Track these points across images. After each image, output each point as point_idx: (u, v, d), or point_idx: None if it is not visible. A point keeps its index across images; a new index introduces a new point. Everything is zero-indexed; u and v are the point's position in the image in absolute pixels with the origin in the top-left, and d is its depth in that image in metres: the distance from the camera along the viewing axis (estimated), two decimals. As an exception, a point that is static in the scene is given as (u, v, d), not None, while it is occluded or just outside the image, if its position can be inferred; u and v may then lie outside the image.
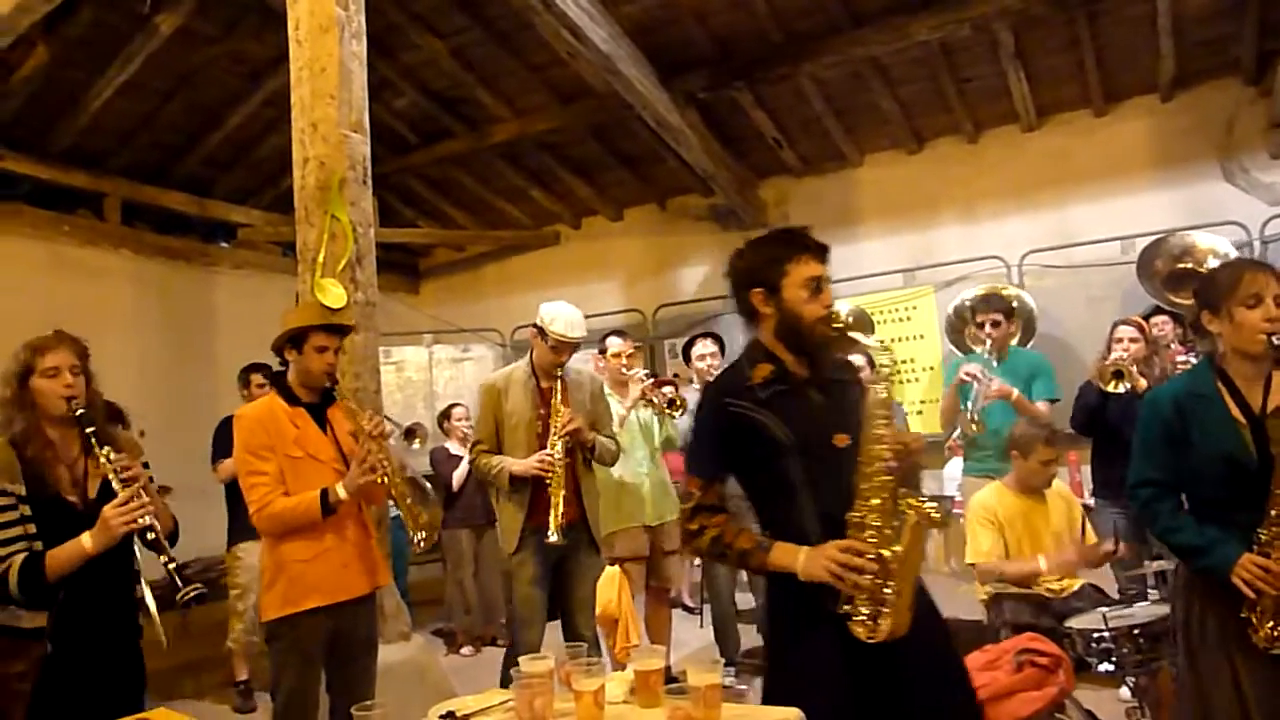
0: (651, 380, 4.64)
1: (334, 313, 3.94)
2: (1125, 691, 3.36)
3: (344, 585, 3.02)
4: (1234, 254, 5.41)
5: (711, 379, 4.51)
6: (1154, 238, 5.69)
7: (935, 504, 2.00)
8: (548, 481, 3.70)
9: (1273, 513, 2.19)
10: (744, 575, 5.09)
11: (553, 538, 3.64)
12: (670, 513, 4.77)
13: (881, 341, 2.16)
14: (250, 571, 4.69)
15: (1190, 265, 5.47)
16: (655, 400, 4.55)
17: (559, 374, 3.87)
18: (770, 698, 2.12)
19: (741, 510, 2.31)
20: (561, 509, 3.68)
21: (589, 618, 3.88)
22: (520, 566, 3.79)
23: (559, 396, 3.81)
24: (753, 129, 6.94)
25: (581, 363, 7.66)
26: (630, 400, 4.57)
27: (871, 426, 2.05)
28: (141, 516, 2.42)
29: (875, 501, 2.02)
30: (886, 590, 1.98)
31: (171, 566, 2.44)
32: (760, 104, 6.66)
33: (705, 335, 5.01)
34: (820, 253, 2.20)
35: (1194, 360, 4.04)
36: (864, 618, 2.01)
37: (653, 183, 7.91)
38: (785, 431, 2.12)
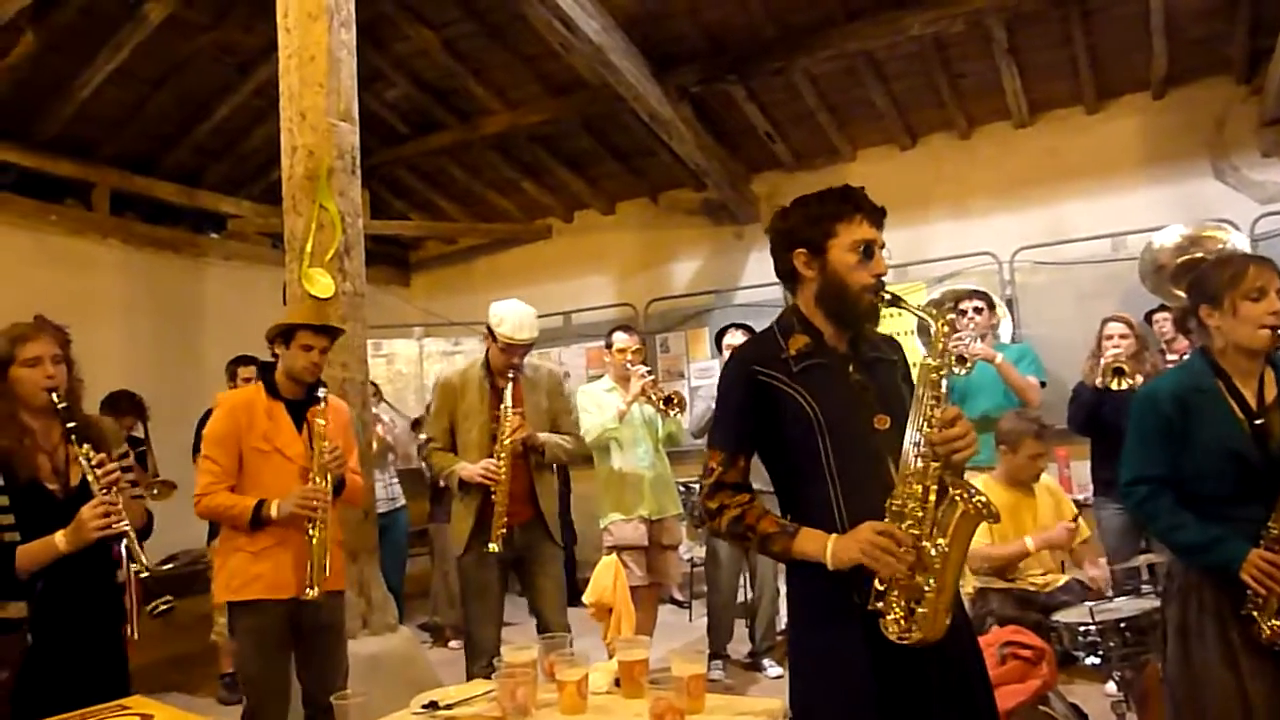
0: (651, 378, 4.64)
1: (322, 303, 3.94)
2: (1111, 686, 3.36)
3: (283, 584, 3.01)
4: (1245, 244, 5.42)
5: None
6: (1145, 234, 5.69)
7: (983, 496, 1.80)
8: (492, 491, 3.69)
9: None
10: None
11: (491, 547, 3.65)
12: (671, 508, 4.79)
13: (938, 312, 1.94)
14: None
15: (1200, 255, 5.43)
16: (653, 397, 4.55)
17: (513, 376, 3.84)
18: (792, 693, 1.98)
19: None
20: (504, 519, 3.68)
21: (558, 608, 3.88)
22: (469, 569, 3.81)
23: (510, 398, 3.76)
24: (745, 123, 6.92)
25: (577, 356, 7.77)
26: (630, 395, 4.58)
27: (921, 405, 1.84)
28: (117, 523, 2.40)
29: (918, 489, 1.82)
30: (925, 588, 1.79)
31: (144, 576, 2.44)
32: (753, 98, 6.65)
33: (738, 326, 4.98)
34: (876, 216, 1.99)
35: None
36: (897, 616, 1.81)
37: (645, 176, 7.89)
38: (818, 409, 1.92)
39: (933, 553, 1.79)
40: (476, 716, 2.04)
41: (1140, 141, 6.39)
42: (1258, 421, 2.24)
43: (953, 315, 4.40)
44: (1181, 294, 5.09)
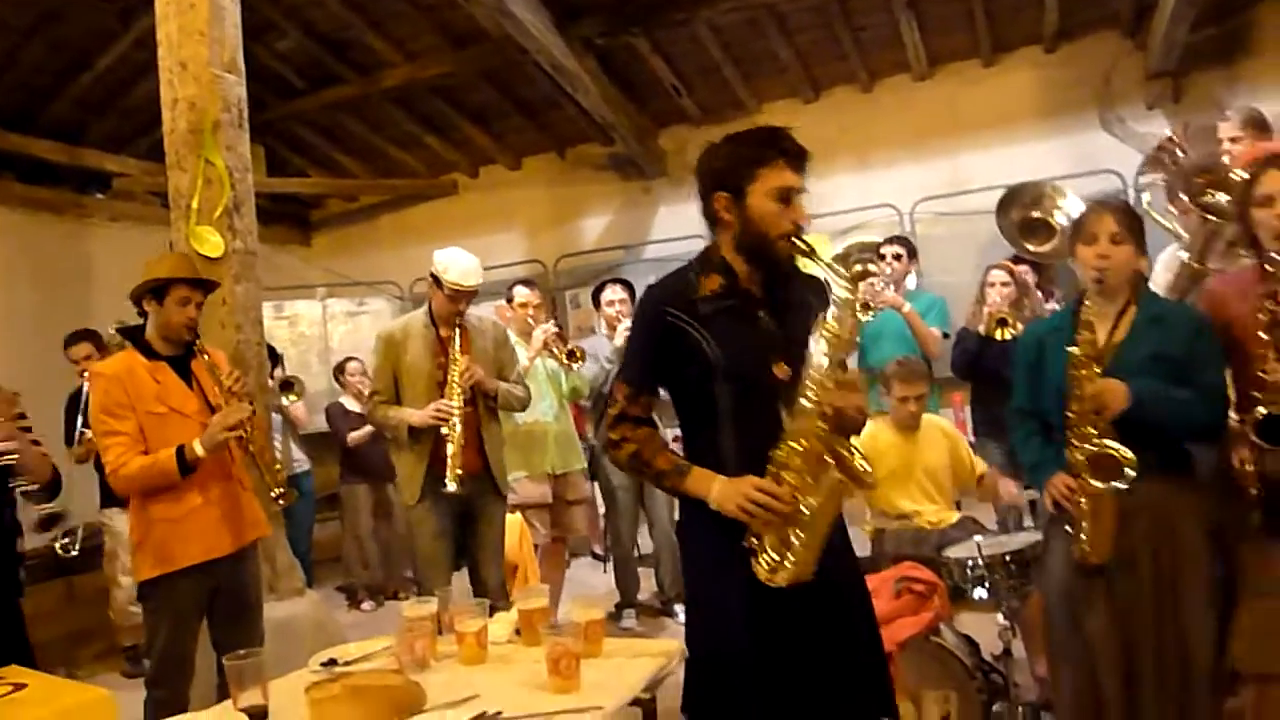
0: (555, 331, 4.62)
1: (212, 262, 3.80)
2: (1000, 617, 3.52)
3: (216, 543, 2.95)
4: (1081, 209, 5.65)
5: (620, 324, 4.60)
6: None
7: (866, 463, 1.82)
8: (444, 431, 3.65)
9: (1069, 435, 2.30)
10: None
11: (450, 487, 3.60)
12: (575, 463, 4.80)
13: (849, 269, 1.87)
14: (119, 537, 4.56)
15: (1039, 215, 5.69)
16: (556, 351, 4.55)
17: (459, 322, 3.80)
18: (688, 629, 2.07)
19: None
20: (460, 459, 3.62)
21: (496, 566, 3.87)
22: (422, 518, 3.75)
23: (458, 345, 3.74)
24: (651, 76, 6.87)
25: (486, 313, 7.67)
26: (533, 349, 4.56)
27: (815, 361, 1.86)
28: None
29: (803, 445, 1.86)
30: (794, 539, 1.86)
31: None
32: (657, 50, 6.59)
33: (615, 281, 5.01)
34: (799, 160, 1.97)
35: (1058, 306, 4.26)
36: (767, 559, 1.89)
37: (551, 131, 7.78)
38: (719, 353, 1.94)
39: (805, 512, 1.85)
40: (375, 671, 2.03)
41: (1034, 94, 6.56)
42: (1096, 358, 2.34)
43: (861, 267, 4.45)
44: (1032, 247, 5.35)
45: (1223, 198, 3.07)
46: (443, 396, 3.68)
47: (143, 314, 3.06)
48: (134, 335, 3.07)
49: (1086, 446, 2.26)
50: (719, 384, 1.95)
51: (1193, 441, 2.47)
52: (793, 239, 1.94)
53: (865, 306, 4.66)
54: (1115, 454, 2.20)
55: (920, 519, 3.71)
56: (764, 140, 1.99)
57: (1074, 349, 2.30)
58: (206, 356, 3.03)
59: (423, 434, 3.72)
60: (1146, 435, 2.22)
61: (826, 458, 1.83)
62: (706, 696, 1.97)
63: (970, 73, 6.73)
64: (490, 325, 4.08)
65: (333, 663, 2.19)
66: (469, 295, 3.79)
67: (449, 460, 3.62)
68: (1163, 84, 6.08)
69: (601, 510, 6.30)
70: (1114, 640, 2.33)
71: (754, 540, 1.90)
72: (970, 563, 3.13)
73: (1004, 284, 4.38)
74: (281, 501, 3.09)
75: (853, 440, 1.89)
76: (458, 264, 3.76)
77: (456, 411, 3.65)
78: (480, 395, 3.80)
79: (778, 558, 1.88)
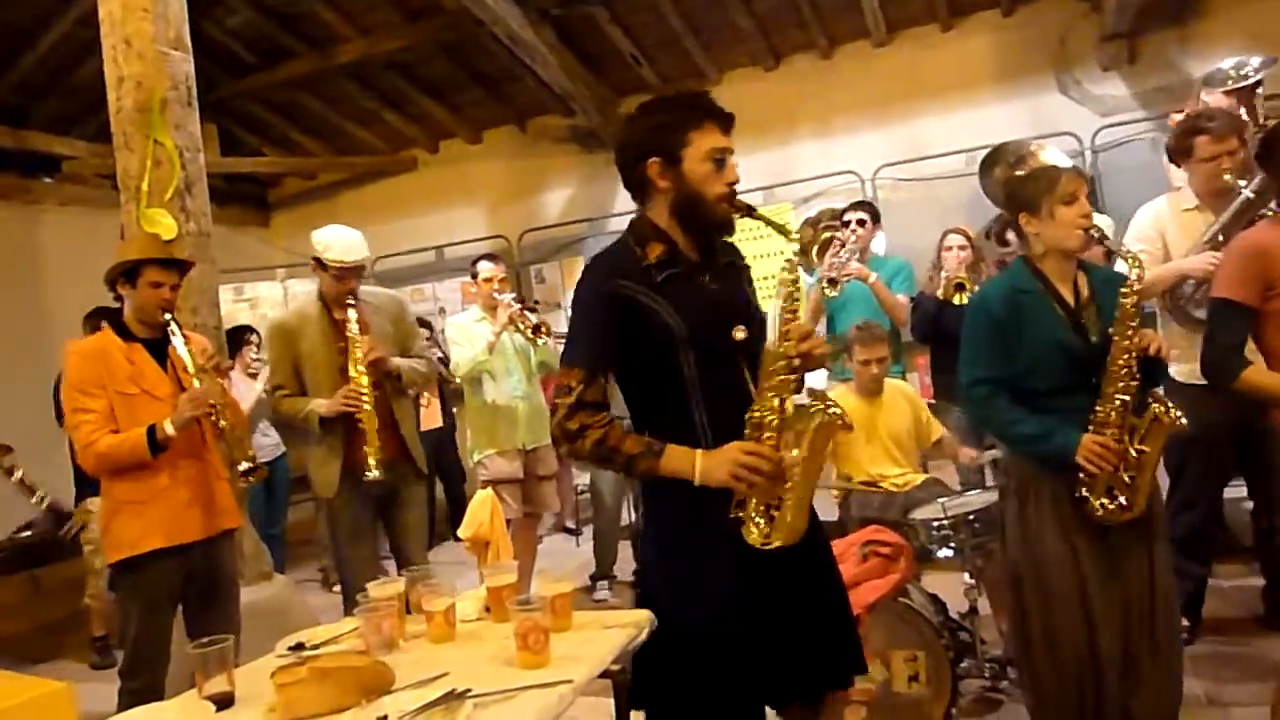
0: (520, 306, 4.59)
1: (165, 244, 3.72)
2: (966, 575, 3.57)
3: (184, 527, 2.92)
4: (1067, 162, 5.68)
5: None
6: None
7: (836, 407, 1.85)
8: (358, 417, 3.48)
9: (1108, 390, 2.33)
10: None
11: (372, 474, 3.46)
12: (546, 437, 4.76)
13: (818, 235, 2.00)
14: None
15: (1024, 173, 5.70)
16: (520, 326, 4.52)
17: (352, 302, 3.62)
18: (654, 605, 2.01)
19: None
20: (378, 443, 3.48)
21: (421, 545, 3.81)
22: (341, 511, 3.63)
23: (355, 327, 3.57)
24: (610, 46, 6.81)
25: (451, 290, 7.63)
26: (498, 324, 4.53)
27: (780, 318, 1.88)
28: None
29: (776, 401, 1.86)
30: (783, 496, 1.86)
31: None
32: (616, 21, 6.52)
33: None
34: (726, 122, 1.95)
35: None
36: (758, 523, 1.87)
37: (511, 103, 7.70)
38: (679, 321, 1.90)
39: (789, 462, 1.84)
40: (341, 653, 2.01)
41: (992, 57, 6.57)
42: (1078, 318, 2.43)
43: (829, 235, 4.48)
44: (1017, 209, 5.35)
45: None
46: (347, 382, 3.53)
47: (118, 299, 3.04)
48: (111, 316, 3.06)
49: (1119, 407, 2.32)
50: (682, 353, 1.91)
51: None
52: (731, 200, 1.93)
53: (833, 282, 4.65)
54: (1166, 414, 2.28)
55: (886, 482, 3.75)
56: (692, 103, 1.96)
57: (1120, 306, 2.32)
58: (185, 339, 2.98)
59: (334, 423, 3.55)
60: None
61: (810, 405, 1.84)
62: (695, 669, 1.94)
63: (929, 38, 6.73)
64: (386, 299, 3.92)
65: (300, 646, 2.17)
66: (356, 272, 3.64)
67: (369, 445, 3.48)
68: (1117, 45, 6.11)
69: (576, 483, 6.33)
70: (1116, 600, 2.39)
71: (739, 510, 1.89)
72: (935, 523, 3.17)
73: (961, 248, 4.41)
74: (251, 478, 3.02)
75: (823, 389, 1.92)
76: (338, 240, 3.62)
77: (366, 395, 3.50)
78: (385, 376, 3.65)
79: (769, 520, 1.87)
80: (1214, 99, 3.81)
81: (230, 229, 7.72)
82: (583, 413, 1.92)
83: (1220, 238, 3.17)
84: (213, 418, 2.90)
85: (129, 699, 2.85)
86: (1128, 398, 2.33)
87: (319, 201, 8.63)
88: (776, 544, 1.87)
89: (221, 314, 4.22)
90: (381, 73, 7.20)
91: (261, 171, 8.44)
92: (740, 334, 1.93)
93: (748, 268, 2.12)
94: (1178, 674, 2.47)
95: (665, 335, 1.91)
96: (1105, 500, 2.37)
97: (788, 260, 1.92)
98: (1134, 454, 2.34)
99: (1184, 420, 2.29)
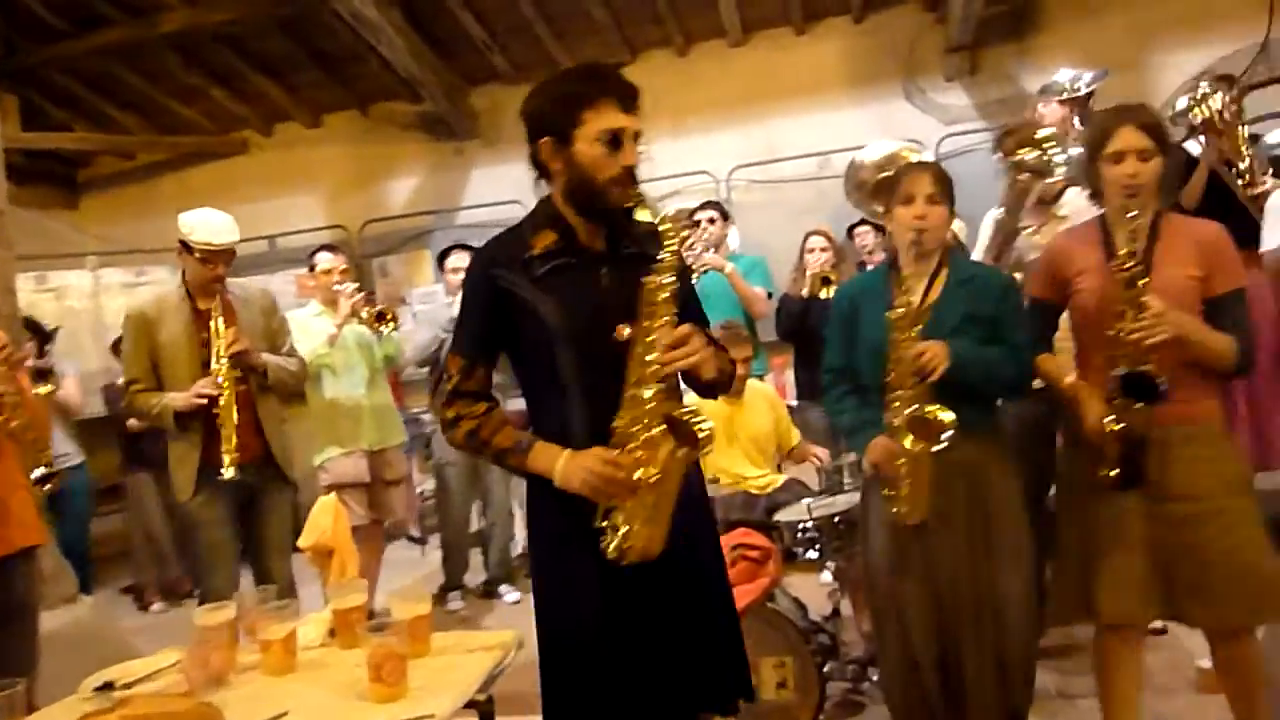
0: (362, 295, 4.30)
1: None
2: (826, 575, 3.57)
3: None
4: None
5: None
6: (848, 153, 6.01)
7: (705, 424, 1.68)
8: (215, 412, 3.27)
9: (888, 399, 2.30)
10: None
11: (227, 474, 3.24)
12: (393, 438, 4.52)
13: (672, 221, 1.78)
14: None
15: (892, 174, 5.83)
16: (364, 315, 4.24)
17: (219, 291, 3.39)
18: (538, 614, 1.90)
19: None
20: (235, 440, 3.27)
21: (283, 560, 3.53)
22: (201, 510, 3.37)
23: (219, 317, 3.34)
24: (462, 31, 6.53)
25: (286, 283, 7.13)
26: (340, 316, 4.24)
27: (646, 322, 1.72)
28: None
29: (640, 411, 1.73)
30: (640, 512, 1.76)
31: None
32: (468, 6, 6.28)
33: (462, 247, 4.73)
34: (627, 99, 1.80)
35: None
36: (616, 536, 1.77)
37: (354, 86, 7.28)
38: (558, 316, 1.79)
39: (649, 484, 1.72)
40: (159, 696, 1.74)
41: (844, 63, 6.70)
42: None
43: (684, 224, 4.44)
44: (879, 208, 5.46)
45: (1030, 155, 3.21)
46: (211, 368, 3.31)
47: None
48: None
49: (905, 410, 2.25)
50: (560, 350, 1.80)
51: (1004, 398, 2.58)
52: (626, 184, 1.77)
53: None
54: (934, 416, 2.20)
55: (746, 484, 3.70)
56: (588, 78, 1.82)
57: (892, 313, 2.28)
58: None
59: (192, 419, 3.33)
60: (960, 395, 2.24)
61: (660, 428, 1.69)
62: (560, 682, 1.85)
63: (784, 40, 6.80)
64: (258, 293, 3.69)
65: (109, 686, 1.87)
66: (225, 257, 3.40)
67: (224, 443, 3.26)
68: (961, 57, 6.36)
69: (419, 490, 6.03)
70: (927, 599, 2.38)
71: (603, 520, 1.76)
72: (801, 525, 3.14)
73: (823, 249, 4.46)
74: (46, 486, 2.74)
75: (689, 402, 1.83)
76: (207, 223, 3.37)
77: (225, 389, 3.29)
78: (250, 372, 3.42)
79: (625, 534, 1.75)
80: (1049, 109, 3.98)
81: (31, 211, 6.96)
82: (460, 402, 1.88)
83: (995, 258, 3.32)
84: (1, 415, 2.52)
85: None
86: (907, 409, 2.25)
87: (136, 184, 7.94)
88: (632, 558, 1.75)
89: (19, 303, 3.74)
90: (210, 46, 6.64)
91: (69, 149, 7.67)
92: (626, 333, 1.77)
93: (664, 259, 1.79)
94: (1018, 679, 2.39)
95: (541, 332, 1.80)
96: (905, 508, 2.34)
97: (659, 260, 1.74)
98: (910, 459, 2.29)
99: (951, 420, 2.19)
